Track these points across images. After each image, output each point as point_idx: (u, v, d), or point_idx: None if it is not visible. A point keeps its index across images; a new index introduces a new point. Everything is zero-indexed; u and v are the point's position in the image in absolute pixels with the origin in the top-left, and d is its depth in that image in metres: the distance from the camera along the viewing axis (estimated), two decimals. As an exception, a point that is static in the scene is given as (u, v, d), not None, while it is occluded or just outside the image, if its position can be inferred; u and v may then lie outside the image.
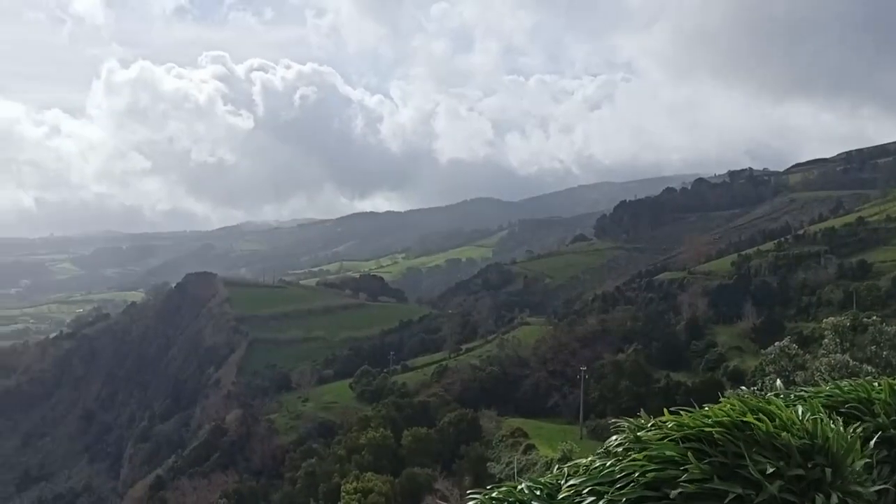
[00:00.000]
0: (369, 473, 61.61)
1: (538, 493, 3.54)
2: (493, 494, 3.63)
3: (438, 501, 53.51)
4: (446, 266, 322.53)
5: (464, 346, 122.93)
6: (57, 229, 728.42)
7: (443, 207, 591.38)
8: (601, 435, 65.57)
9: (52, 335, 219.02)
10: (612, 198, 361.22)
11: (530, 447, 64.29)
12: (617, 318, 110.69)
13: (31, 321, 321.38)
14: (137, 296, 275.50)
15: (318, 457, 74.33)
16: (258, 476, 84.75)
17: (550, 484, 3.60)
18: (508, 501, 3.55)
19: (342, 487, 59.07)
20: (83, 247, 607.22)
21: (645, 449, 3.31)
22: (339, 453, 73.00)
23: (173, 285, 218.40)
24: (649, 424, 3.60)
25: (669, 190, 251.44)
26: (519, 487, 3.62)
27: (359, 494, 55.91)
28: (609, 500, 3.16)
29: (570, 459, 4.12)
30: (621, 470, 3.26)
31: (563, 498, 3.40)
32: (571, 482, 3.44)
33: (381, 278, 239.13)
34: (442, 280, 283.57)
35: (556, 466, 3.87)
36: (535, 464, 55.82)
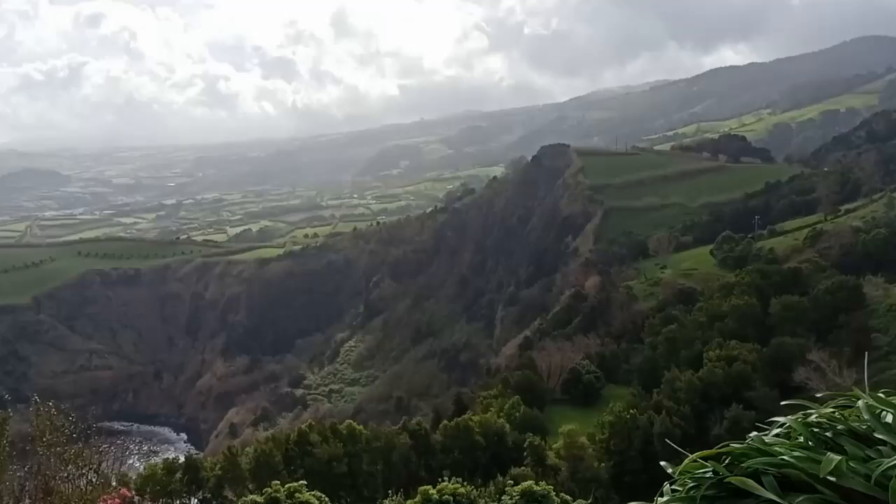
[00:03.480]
0: (733, 341, 59.13)
1: None
2: None
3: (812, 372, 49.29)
4: (821, 119, 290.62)
5: (843, 207, 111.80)
6: (421, 113, 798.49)
7: (815, 53, 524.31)
8: None
9: (429, 210, 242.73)
10: None
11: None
12: None
13: (411, 198, 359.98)
14: (498, 170, 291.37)
15: (678, 323, 72.90)
16: (618, 340, 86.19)
17: None
18: None
19: (705, 354, 57.62)
20: (448, 128, 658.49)
21: None
22: (700, 320, 71.01)
23: (529, 158, 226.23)
24: None
25: None
26: None
27: (722, 362, 54.05)
28: None
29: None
30: None
31: None
32: None
33: (744, 138, 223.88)
34: (816, 135, 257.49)
35: None
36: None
